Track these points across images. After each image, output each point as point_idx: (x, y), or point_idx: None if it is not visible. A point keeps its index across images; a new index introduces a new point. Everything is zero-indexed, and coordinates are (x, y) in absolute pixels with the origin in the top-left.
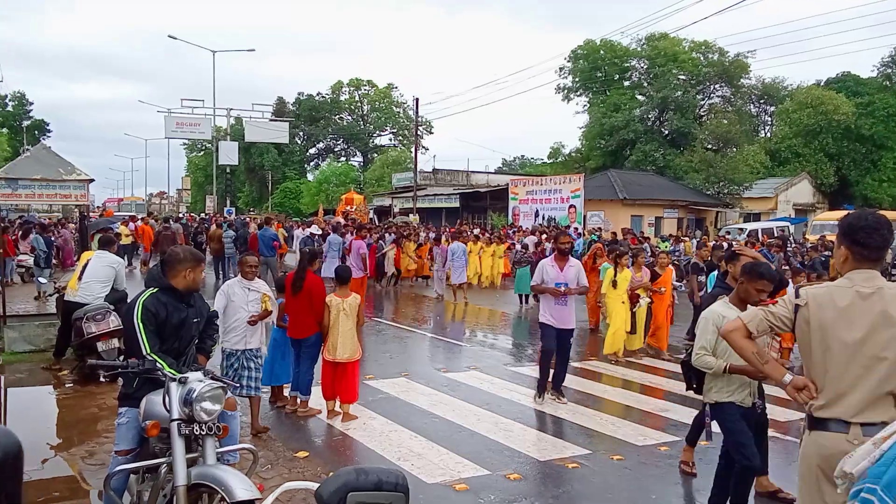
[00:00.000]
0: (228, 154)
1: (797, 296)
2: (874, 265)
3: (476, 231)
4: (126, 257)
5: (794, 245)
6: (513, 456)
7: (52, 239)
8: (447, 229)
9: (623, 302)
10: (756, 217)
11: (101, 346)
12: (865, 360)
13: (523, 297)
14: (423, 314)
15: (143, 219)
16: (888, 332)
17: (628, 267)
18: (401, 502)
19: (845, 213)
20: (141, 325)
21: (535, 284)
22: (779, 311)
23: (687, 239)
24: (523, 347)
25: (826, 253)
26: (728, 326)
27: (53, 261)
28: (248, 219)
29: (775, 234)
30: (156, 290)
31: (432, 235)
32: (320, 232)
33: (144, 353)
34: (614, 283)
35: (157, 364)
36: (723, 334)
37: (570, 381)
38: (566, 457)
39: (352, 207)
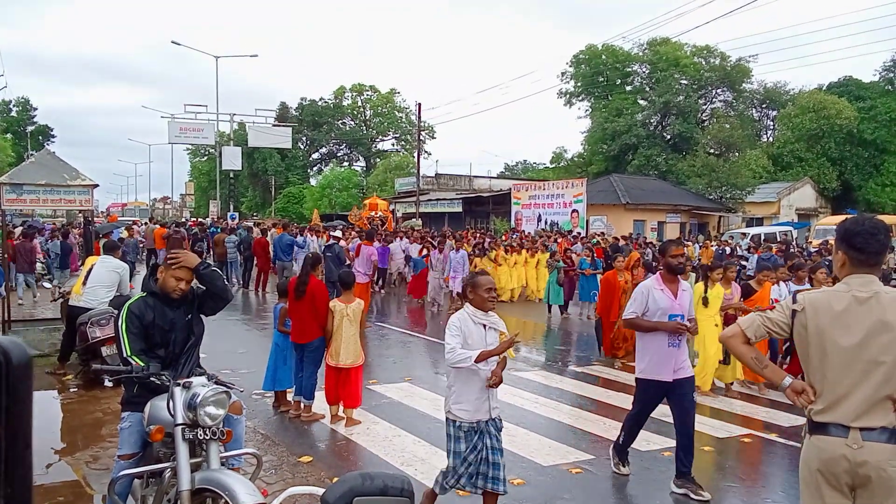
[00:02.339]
0: (232, 159)
1: (794, 301)
2: (872, 270)
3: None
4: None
5: (796, 249)
6: (516, 461)
7: (69, 244)
8: (455, 235)
9: (716, 325)
10: (759, 222)
11: (105, 350)
12: (863, 365)
13: (551, 307)
14: (426, 319)
15: (154, 223)
16: (885, 336)
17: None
18: None
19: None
20: (124, 327)
21: (633, 318)
22: (776, 316)
23: (689, 244)
24: (526, 352)
25: (829, 258)
26: (727, 332)
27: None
28: (252, 223)
29: (778, 239)
30: (144, 294)
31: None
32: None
33: (126, 355)
34: (705, 301)
35: (161, 372)
36: (721, 340)
37: (572, 385)
38: (569, 462)
39: (376, 213)
